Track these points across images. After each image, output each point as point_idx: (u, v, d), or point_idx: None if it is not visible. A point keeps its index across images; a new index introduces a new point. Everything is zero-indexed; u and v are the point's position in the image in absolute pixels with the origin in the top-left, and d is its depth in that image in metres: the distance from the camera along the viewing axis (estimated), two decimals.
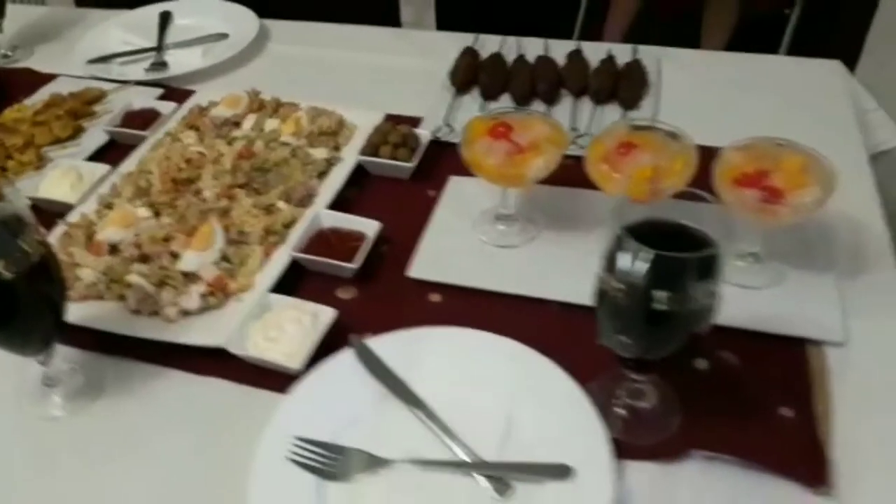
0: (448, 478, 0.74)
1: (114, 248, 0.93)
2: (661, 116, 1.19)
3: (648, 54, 1.30)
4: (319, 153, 1.07)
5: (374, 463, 0.75)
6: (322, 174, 1.06)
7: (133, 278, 0.88)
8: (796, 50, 1.49)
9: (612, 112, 1.18)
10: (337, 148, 1.11)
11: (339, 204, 1.04)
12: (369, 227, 0.97)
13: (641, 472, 0.75)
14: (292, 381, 0.81)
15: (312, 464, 0.74)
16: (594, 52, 1.29)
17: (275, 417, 0.78)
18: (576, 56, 1.27)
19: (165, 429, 0.82)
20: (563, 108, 1.20)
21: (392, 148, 1.07)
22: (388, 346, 0.84)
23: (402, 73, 1.33)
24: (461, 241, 0.99)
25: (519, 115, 0.94)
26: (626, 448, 0.75)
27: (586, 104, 1.20)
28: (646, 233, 0.67)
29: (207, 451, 0.79)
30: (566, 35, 1.77)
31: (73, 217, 0.99)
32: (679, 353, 0.82)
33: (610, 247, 0.65)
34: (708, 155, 0.88)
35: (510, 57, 1.29)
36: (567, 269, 0.88)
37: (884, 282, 0.91)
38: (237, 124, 1.13)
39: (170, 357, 0.87)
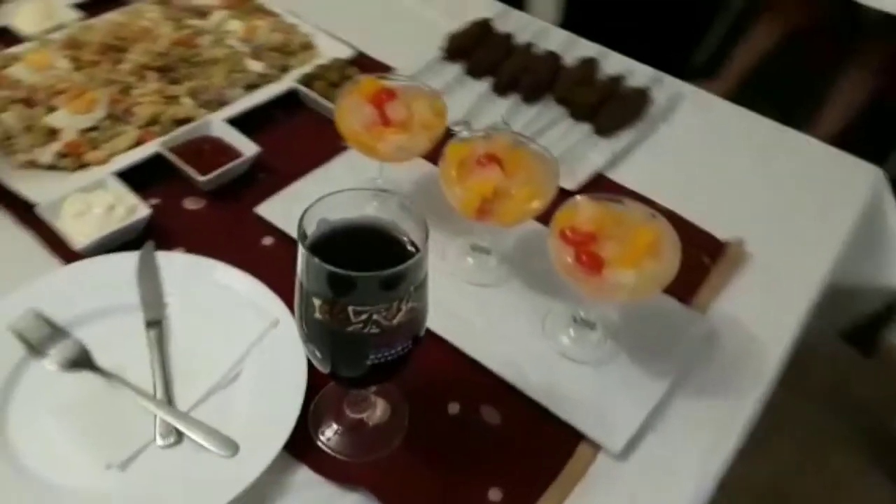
0: (133, 406, 0.72)
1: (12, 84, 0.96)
2: (635, 155, 1.07)
3: (670, 86, 1.16)
4: (257, 66, 1.05)
5: (82, 363, 0.74)
6: (252, 87, 1.04)
7: (4, 115, 0.91)
8: None
9: (580, 131, 1.07)
10: (285, 69, 1.08)
11: (258, 122, 1.01)
12: (248, 150, 0.95)
13: (311, 482, 0.69)
14: None
15: (26, 334, 0.75)
16: (616, 67, 1.17)
17: (27, 285, 0.79)
18: (585, 64, 1.15)
19: None
20: (534, 111, 1.10)
21: (326, 85, 1.03)
22: (176, 264, 0.83)
23: (420, 25, 1.27)
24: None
25: (411, 87, 0.87)
26: (317, 453, 0.70)
27: (564, 116, 1.09)
28: (360, 233, 0.61)
29: None
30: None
31: (15, 49, 1.04)
32: (436, 390, 0.76)
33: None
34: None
35: (521, 42, 1.20)
36: None
37: (724, 415, 0.78)
38: (205, 14, 1.12)
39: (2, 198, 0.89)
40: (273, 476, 0.68)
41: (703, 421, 0.77)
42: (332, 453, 0.71)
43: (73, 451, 0.68)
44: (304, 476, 0.69)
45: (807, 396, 1.72)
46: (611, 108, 1.08)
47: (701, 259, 0.91)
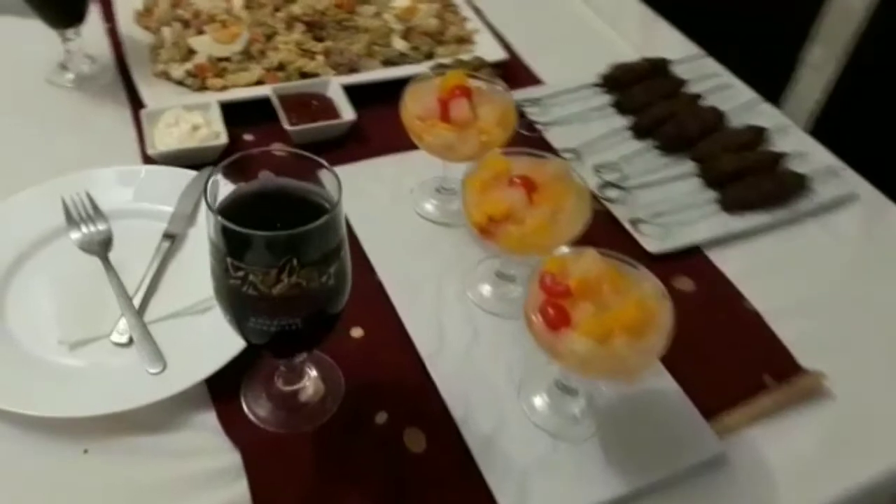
0: (112, 301, 0.76)
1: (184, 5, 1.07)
2: (761, 241, 0.91)
3: (846, 183, 0.98)
4: (401, 45, 1.06)
5: (98, 249, 0.80)
6: (390, 63, 1.05)
7: (165, 28, 1.02)
8: None
9: (703, 198, 0.93)
10: (430, 55, 1.08)
11: (382, 96, 1.02)
12: (347, 115, 0.96)
13: (207, 425, 0.69)
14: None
15: (72, 210, 0.83)
16: (793, 145, 1.01)
17: (96, 170, 0.87)
18: (751, 132, 1.01)
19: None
20: (663, 161, 0.98)
21: None
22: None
23: (601, 49, 1.19)
24: (399, 183, 0.92)
25: (495, 93, 0.82)
26: (231, 404, 0.70)
27: (693, 176, 0.96)
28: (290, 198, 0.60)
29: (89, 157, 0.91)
30: None
31: None
32: (377, 393, 0.72)
33: None
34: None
35: (693, 91, 1.08)
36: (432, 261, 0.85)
37: None
38: None
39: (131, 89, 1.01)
40: (184, 407, 0.69)
41: None
42: (246, 410, 0.70)
43: (46, 318, 0.75)
44: (205, 418, 0.69)
45: None
46: (747, 184, 0.93)
47: (760, 375, 0.76)
